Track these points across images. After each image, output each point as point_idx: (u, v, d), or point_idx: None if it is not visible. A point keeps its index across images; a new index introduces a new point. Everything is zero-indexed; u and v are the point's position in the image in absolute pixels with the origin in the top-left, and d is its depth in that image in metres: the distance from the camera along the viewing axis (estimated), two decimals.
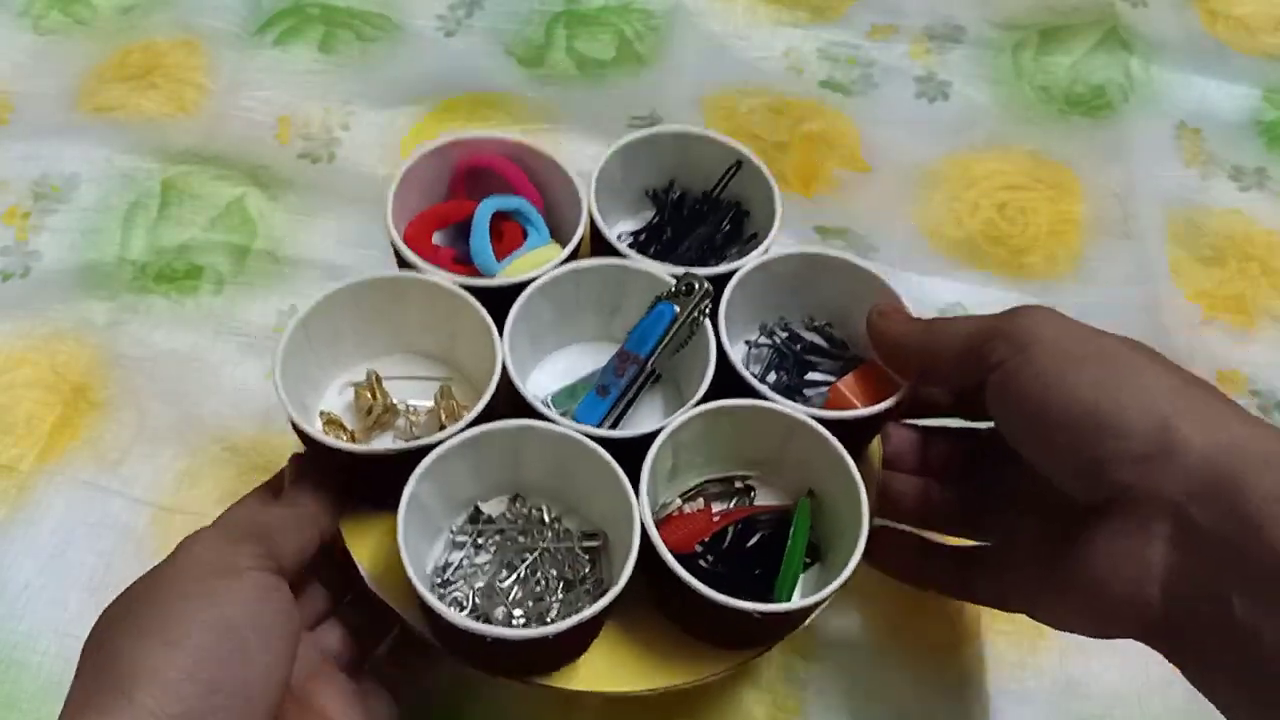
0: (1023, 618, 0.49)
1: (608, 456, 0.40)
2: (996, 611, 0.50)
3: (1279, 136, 0.71)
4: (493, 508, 0.44)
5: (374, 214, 0.63)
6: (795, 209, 0.65)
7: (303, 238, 0.62)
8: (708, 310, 0.44)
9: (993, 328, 0.39)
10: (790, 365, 0.48)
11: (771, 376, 0.48)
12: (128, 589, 0.37)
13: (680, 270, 0.45)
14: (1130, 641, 0.46)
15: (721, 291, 0.45)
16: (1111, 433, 0.35)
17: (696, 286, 0.44)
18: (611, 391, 0.44)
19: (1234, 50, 0.76)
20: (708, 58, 0.73)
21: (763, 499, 0.45)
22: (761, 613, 0.38)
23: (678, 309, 0.44)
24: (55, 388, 0.55)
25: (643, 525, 0.39)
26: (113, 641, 0.35)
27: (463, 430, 0.41)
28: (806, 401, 0.47)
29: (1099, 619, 0.37)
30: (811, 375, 0.48)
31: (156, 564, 0.38)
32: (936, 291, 0.62)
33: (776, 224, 0.48)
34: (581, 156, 0.66)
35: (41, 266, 0.60)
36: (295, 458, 0.44)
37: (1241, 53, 0.75)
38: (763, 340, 0.49)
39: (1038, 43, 0.75)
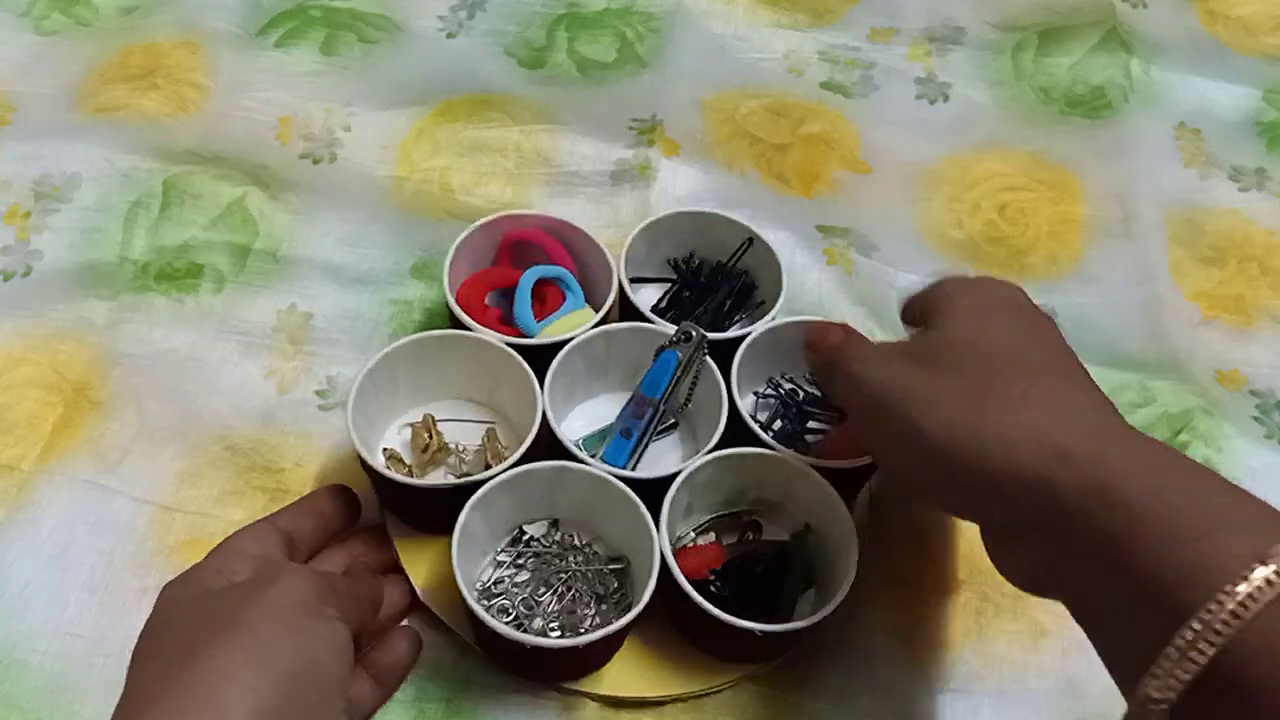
0: (1025, 618, 0.51)
1: (632, 494, 0.46)
2: (998, 611, 0.51)
3: (1279, 137, 0.71)
4: (534, 530, 0.50)
5: (375, 214, 0.63)
6: (796, 209, 0.65)
7: (303, 237, 0.62)
8: (705, 352, 0.51)
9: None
10: (793, 414, 0.55)
11: (777, 424, 0.55)
12: (209, 595, 0.39)
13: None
14: None
15: (734, 353, 0.51)
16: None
17: (693, 334, 0.51)
18: (633, 434, 0.51)
19: (1234, 51, 0.76)
20: (708, 60, 0.73)
21: (768, 533, 0.51)
22: (763, 631, 0.44)
23: (680, 355, 0.50)
24: (56, 387, 0.55)
25: (662, 555, 0.45)
26: (204, 652, 0.35)
27: (508, 469, 0.47)
28: (806, 445, 0.53)
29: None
30: (811, 424, 0.54)
31: (242, 582, 0.39)
32: None
33: (782, 298, 0.54)
34: (581, 158, 0.67)
35: (42, 266, 0.60)
36: (334, 490, 0.49)
37: (1241, 53, 0.76)
38: (769, 392, 0.55)
39: (1037, 44, 0.75)
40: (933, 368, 0.39)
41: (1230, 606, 0.29)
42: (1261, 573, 0.29)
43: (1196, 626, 0.29)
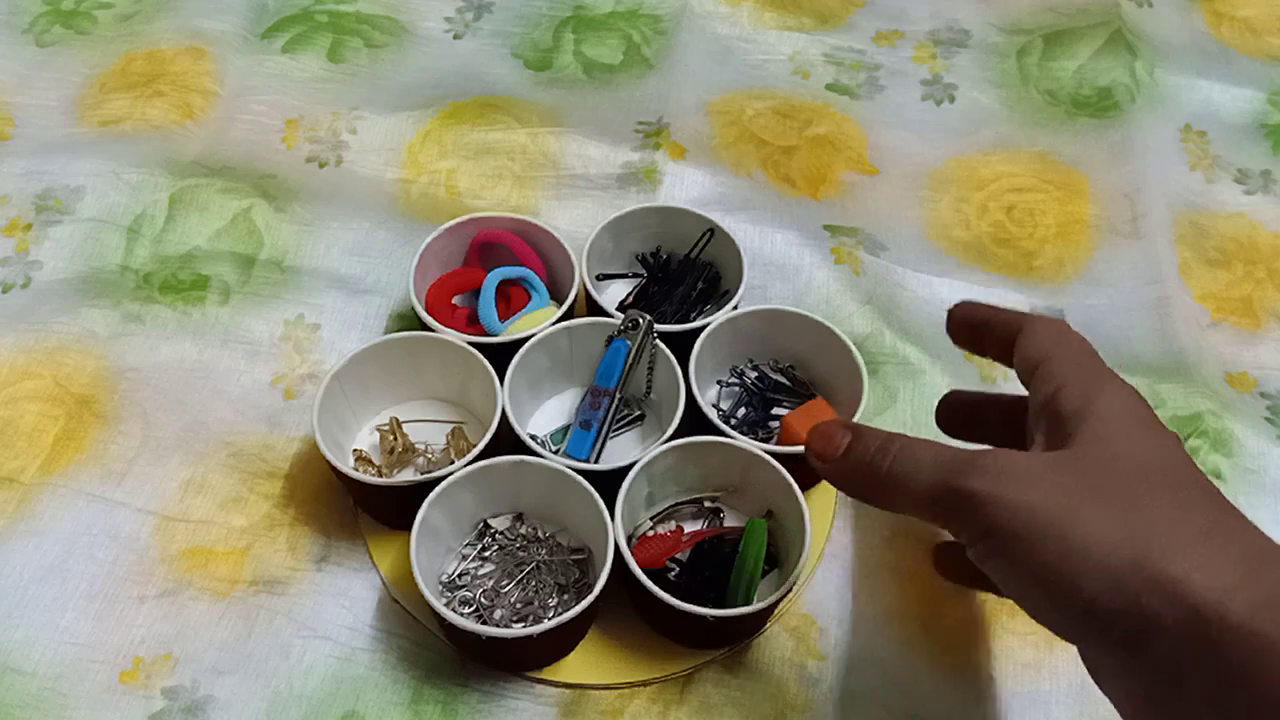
0: None
1: (589, 486, 0.47)
2: (1013, 613, 0.50)
3: None
4: (499, 524, 0.50)
5: (379, 220, 0.63)
6: (803, 211, 0.65)
7: (308, 247, 0.61)
8: (655, 336, 0.52)
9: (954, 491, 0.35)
10: (757, 402, 0.55)
11: (741, 411, 0.55)
12: None
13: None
14: None
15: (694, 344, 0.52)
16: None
17: (640, 321, 0.51)
18: (593, 425, 0.51)
19: (1239, 53, 0.76)
20: (714, 62, 0.73)
21: (731, 520, 0.51)
22: (714, 617, 0.44)
23: (630, 342, 0.51)
24: (59, 400, 0.55)
25: (616, 544, 0.45)
26: None
27: (467, 464, 0.47)
28: (770, 432, 0.53)
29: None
30: (776, 410, 0.55)
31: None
32: (947, 293, 0.61)
33: (744, 286, 0.55)
34: (588, 161, 0.66)
35: (42, 276, 0.60)
36: None
37: (1246, 55, 0.76)
38: (733, 380, 0.56)
39: (1042, 48, 0.75)
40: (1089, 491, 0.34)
41: None
42: None
43: None
